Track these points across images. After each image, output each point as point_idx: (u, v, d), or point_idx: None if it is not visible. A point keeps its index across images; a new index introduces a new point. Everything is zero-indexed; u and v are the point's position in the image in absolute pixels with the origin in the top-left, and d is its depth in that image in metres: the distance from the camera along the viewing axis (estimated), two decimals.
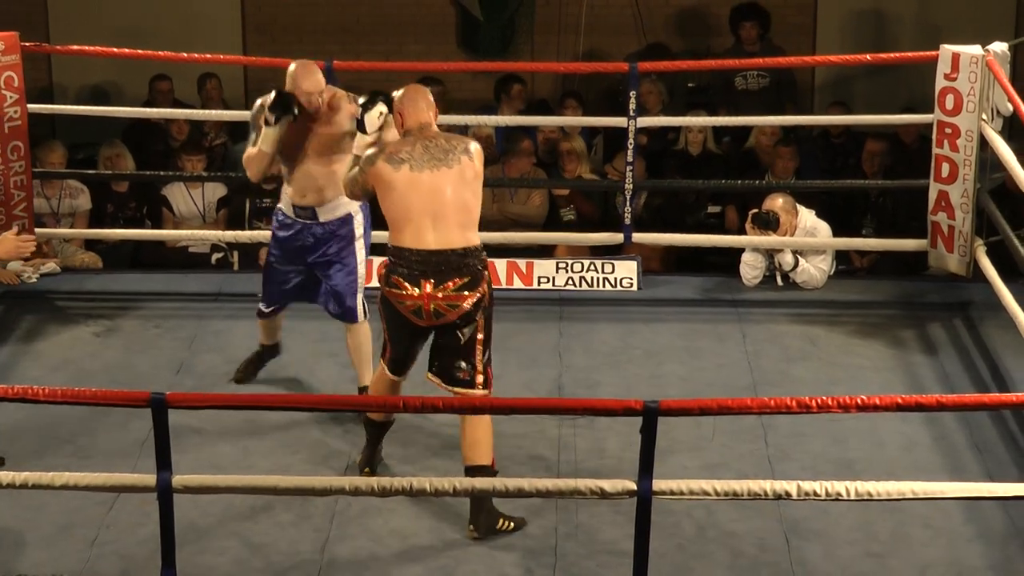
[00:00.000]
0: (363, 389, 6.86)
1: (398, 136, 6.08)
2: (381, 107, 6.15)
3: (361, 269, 6.86)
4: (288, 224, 6.82)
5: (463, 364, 6.00)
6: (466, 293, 5.92)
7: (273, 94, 6.62)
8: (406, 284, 5.92)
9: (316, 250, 6.80)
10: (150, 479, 4.88)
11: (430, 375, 6.08)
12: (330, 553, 5.84)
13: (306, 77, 6.68)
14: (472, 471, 5.94)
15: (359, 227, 6.83)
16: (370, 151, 6.00)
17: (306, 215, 6.76)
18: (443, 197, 5.90)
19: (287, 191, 6.81)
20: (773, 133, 9.62)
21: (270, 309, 7.02)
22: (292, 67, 6.74)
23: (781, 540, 6.00)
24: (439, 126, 6.08)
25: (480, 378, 6.00)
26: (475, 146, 6.04)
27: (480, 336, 6.00)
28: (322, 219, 6.76)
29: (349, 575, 5.77)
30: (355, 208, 6.77)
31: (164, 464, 4.85)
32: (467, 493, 5.01)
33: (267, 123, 6.59)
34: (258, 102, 6.71)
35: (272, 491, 5.10)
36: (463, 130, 10.12)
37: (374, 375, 6.34)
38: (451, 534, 6.06)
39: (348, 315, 6.85)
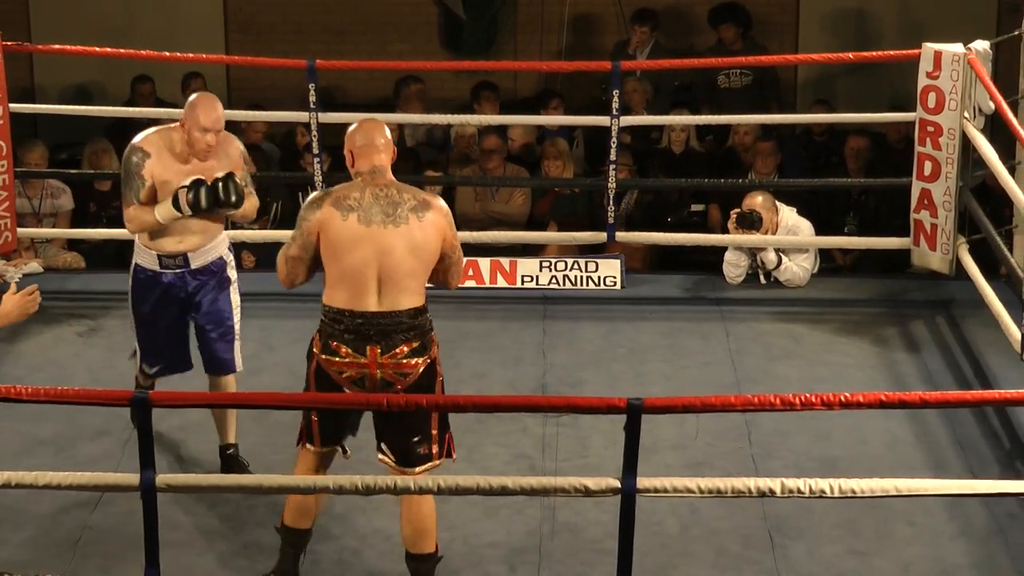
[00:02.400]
0: (228, 447, 6.38)
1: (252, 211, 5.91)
2: (203, 197, 5.92)
3: (238, 315, 6.37)
4: (152, 278, 6.23)
5: (419, 439, 5.43)
6: (417, 360, 5.39)
7: (202, 188, 6.01)
8: (348, 350, 5.33)
9: (190, 300, 6.27)
10: (133, 478, 4.87)
11: (382, 456, 5.48)
12: (314, 552, 5.83)
13: (206, 112, 6.03)
14: (419, 559, 5.51)
15: (232, 271, 6.34)
16: (314, 194, 5.43)
17: (176, 263, 6.20)
18: (392, 258, 5.31)
19: (148, 242, 6.21)
20: (748, 132, 9.62)
21: (154, 371, 6.46)
22: (193, 97, 6.12)
23: (765, 538, 6.01)
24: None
25: (436, 448, 5.45)
26: (436, 208, 5.40)
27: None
28: (195, 265, 6.23)
29: (333, 574, 5.77)
30: (225, 250, 6.32)
31: (147, 463, 4.84)
32: (452, 491, 4.99)
33: (179, 207, 6.00)
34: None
35: (256, 490, 5.09)
36: (446, 129, 10.15)
37: (297, 462, 5.59)
38: (436, 532, 6.05)
39: (227, 366, 6.36)
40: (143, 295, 6.28)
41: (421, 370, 5.38)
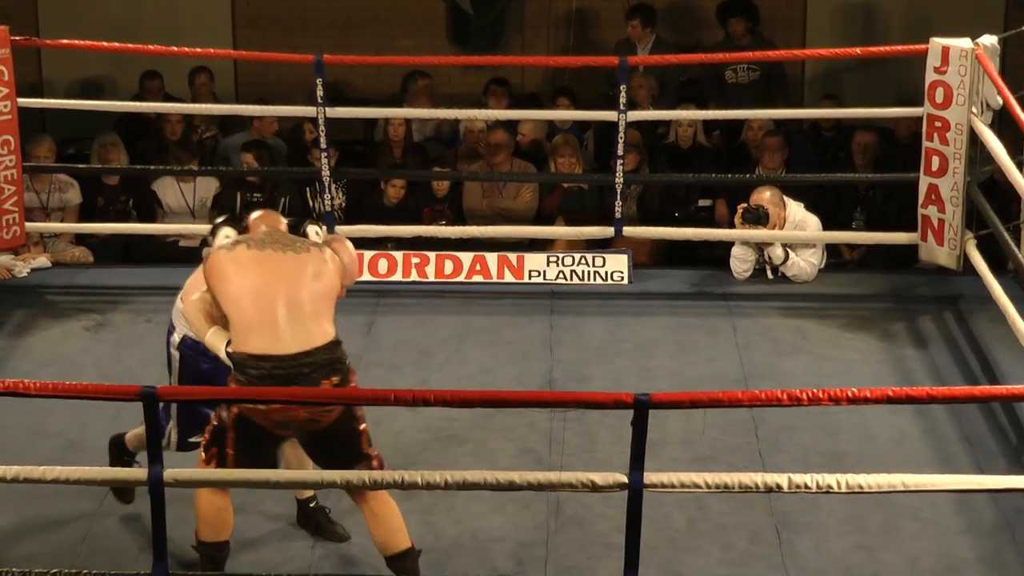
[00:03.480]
0: (309, 500, 5.97)
1: None
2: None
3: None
4: (204, 352, 5.60)
5: (356, 460, 5.35)
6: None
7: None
8: None
9: (215, 373, 5.63)
10: (141, 473, 4.88)
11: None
12: (321, 548, 5.84)
13: None
14: (397, 558, 5.48)
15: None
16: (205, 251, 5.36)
17: None
18: (294, 279, 5.16)
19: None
20: (761, 127, 9.63)
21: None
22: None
23: (772, 533, 6.01)
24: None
25: (376, 463, 5.38)
26: (329, 254, 5.32)
27: (363, 427, 5.38)
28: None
29: (340, 570, 5.77)
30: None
31: (155, 458, 4.84)
32: (460, 486, 4.98)
33: None
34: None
35: (263, 485, 5.10)
36: (454, 125, 10.16)
37: (203, 500, 5.44)
38: (443, 527, 6.07)
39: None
40: (189, 370, 5.80)
41: (337, 415, 5.27)
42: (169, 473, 4.86)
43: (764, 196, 8.20)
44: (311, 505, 5.90)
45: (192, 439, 5.70)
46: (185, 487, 5.04)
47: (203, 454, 5.33)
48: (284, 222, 5.51)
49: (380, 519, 5.41)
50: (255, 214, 5.51)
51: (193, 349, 5.69)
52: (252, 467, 5.24)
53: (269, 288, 5.14)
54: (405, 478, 4.90)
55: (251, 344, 5.12)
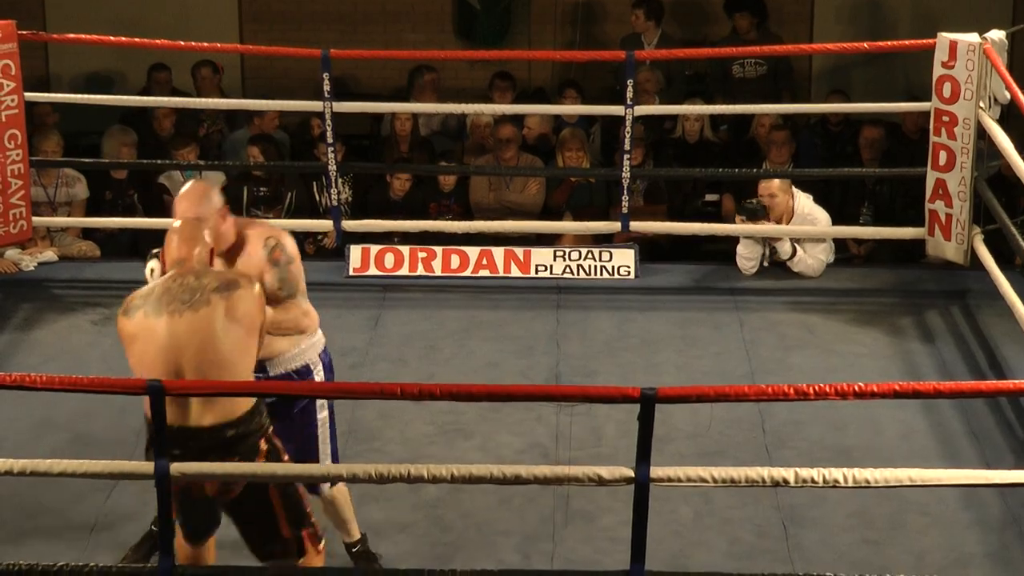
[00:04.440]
0: (354, 544, 5.78)
1: None
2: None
3: (325, 432, 5.54)
4: None
5: (267, 540, 5.10)
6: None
7: None
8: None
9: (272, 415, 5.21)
10: (148, 467, 4.87)
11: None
12: (328, 541, 5.83)
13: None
14: (353, 546, 5.62)
15: (319, 378, 5.51)
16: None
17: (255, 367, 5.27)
18: (186, 353, 4.77)
19: None
20: (769, 122, 9.62)
21: None
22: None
23: (779, 527, 6.01)
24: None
25: (296, 546, 5.12)
26: (245, 284, 4.85)
27: (276, 501, 5.04)
28: (273, 373, 5.44)
29: (347, 563, 5.77)
30: (314, 357, 5.50)
31: (162, 452, 4.84)
32: (466, 480, 4.96)
33: None
34: None
35: (270, 478, 5.08)
36: (461, 119, 10.14)
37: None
38: (449, 520, 6.07)
39: (311, 488, 5.52)
40: None
41: (243, 488, 4.99)
42: (176, 467, 4.85)
43: (773, 184, 8.20)
44: (354, 551, 5.73)
45: None
46: (192, 481, 5.03)
47: None
48: (203, 240, 5.01)
49: (337, 511, 5.50)
50: (172, 242, 4.99)
51: None
52: (189, 520, 5.11)
53: (162, 364, 4.80)
54: (411, 472, 4.89)
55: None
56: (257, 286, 4.91)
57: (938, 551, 5.88)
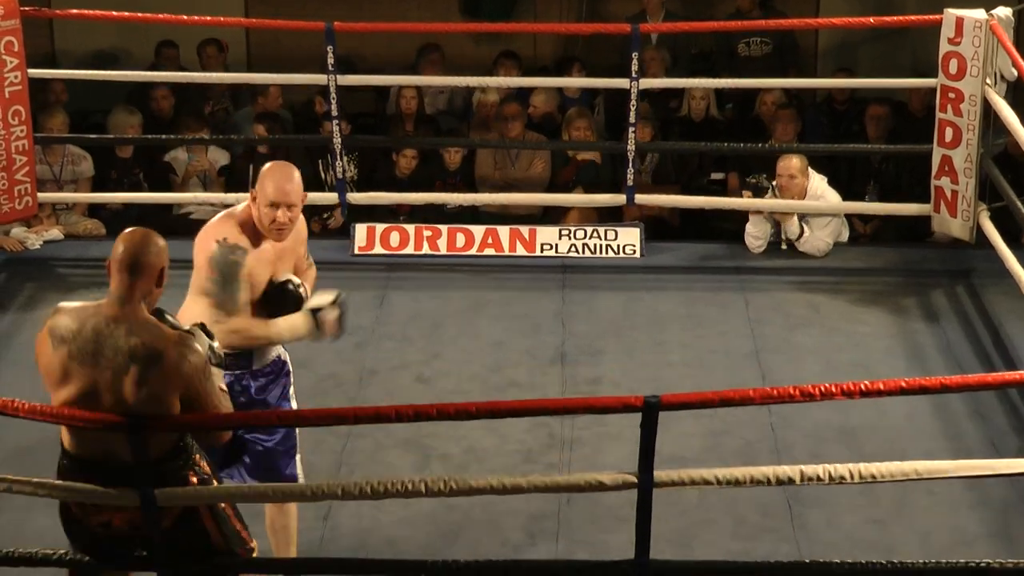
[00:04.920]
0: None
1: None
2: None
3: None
4: None
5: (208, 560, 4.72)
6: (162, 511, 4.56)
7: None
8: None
9: (251, 407, 5.21)
10: (134, 498, 4.75)
11: None
12: (333, 520, 5.86)
13: (278, 183, 5.12)
14: None
15: (289, 368, 5.39)
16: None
17: (237, 364, 5.17)
18: (105, 409, 4.42)
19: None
20: (775, 101, 9.60)
21: None
22: (265, 168, 5.20)
23: (784, 507, 6.01)
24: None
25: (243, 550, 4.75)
26: (167, 360, 4.39)
27: (217, 538, 4.69)
28: (256, 366, 5.25)
29: (353, 541, 5.78)
30: (282, 348, 5.34)
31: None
32: (466, 492, 4.74)
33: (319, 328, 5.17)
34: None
35: (263, 499, 5.01)
36: (466, 98, 10.12)
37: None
38: (454, 500, 6.07)
39: (292, 474, 5.39)
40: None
41: (173, 520, 4.60)
42: (161, 493, 4.75)
43: (792, 163, 8.19)
44: None
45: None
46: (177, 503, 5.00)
47: None
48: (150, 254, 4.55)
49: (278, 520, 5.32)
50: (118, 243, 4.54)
51: None
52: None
53: (81, 405, 4.46)
54: (409, 486, 4.61)
55: (65, 439, 4.57)
56: (177, 359, 4.44)
57: (943, 531, 5.88)
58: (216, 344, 4.67)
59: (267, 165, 5.20)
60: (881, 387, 4.65)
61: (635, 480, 4.67)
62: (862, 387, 4.62)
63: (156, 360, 4.41)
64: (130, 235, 4.53)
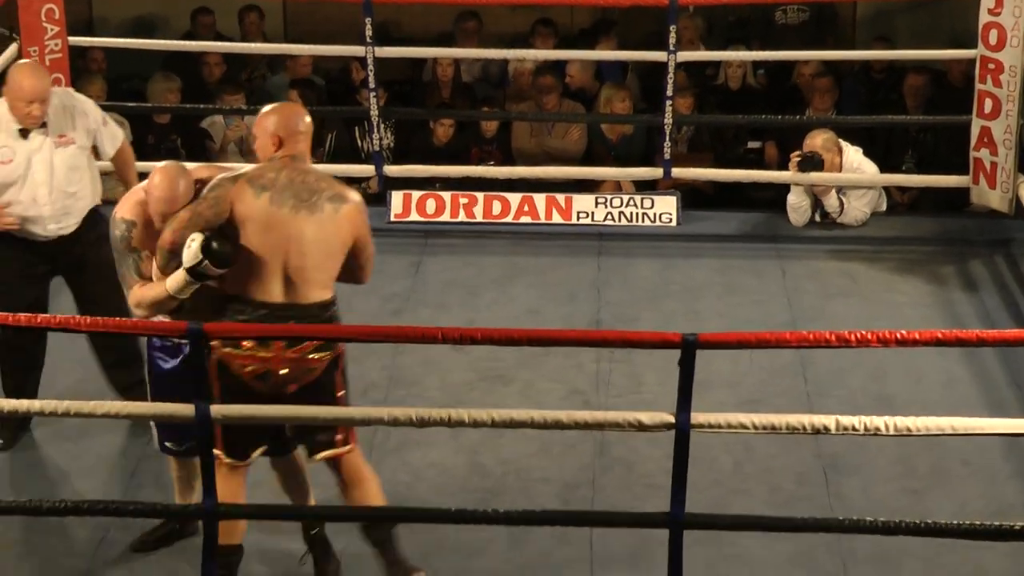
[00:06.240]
0: (313, 527, 5.52)
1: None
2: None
3: None
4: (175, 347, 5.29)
5: (321, 435, 5.15)
6: (322, 355, 5.06)
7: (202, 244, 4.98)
8: (251, 343, 4.97)
9: None
10: (189, 409, 4.90)
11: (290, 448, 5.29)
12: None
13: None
14: (373, 531, 5.31)
15: None
16: (224, 174, 5.08)
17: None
18: (301, 247, 4.97)
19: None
20: (811, 69, 9.55)
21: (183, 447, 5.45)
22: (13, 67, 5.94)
23: (819, 475, 6.01)
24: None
25: (340, 436, 5.17)
26: (352, 201, 5.06)
27: (341, 393, 5.16)
28: None
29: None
30: None
31: (202, 393, 4.86)
32: (506, 424, 4.98)
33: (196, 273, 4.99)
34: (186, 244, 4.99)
35: (311, 421, 5.10)
36: (502, 66, 10.11)
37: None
38: (489, 467, 6.09)
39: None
40: (162, 364, 5.40)
41: (325, 365, 5.08)
42: (216, 409, 4.87)
43: (816, 142, 8.13)
44: (312, 532, 5.50)
45: (168, 444, 5.45)
46: (232, 422, 5.05)
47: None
48: (306, 124, 5.18)
49: (360, 501, 5.26)
50: (301, 131, 5.15)
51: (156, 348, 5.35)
52: (238, 435, 5.10)
53: (275, 249, 4.96)
54: (452, 416, 4.90)
55: (244, 287, 5.00)
56: (360, 201, 5.11)
57: (979, 501, 5.86)
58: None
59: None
60: (917, 337, 4.70)
61: (672, 420, 4.71)
62: (898, 336, 4.67)
63: (344, 200, 5.03)
64: (290, 107, 5.28)
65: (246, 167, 5.16)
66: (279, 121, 5.11)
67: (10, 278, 6.11)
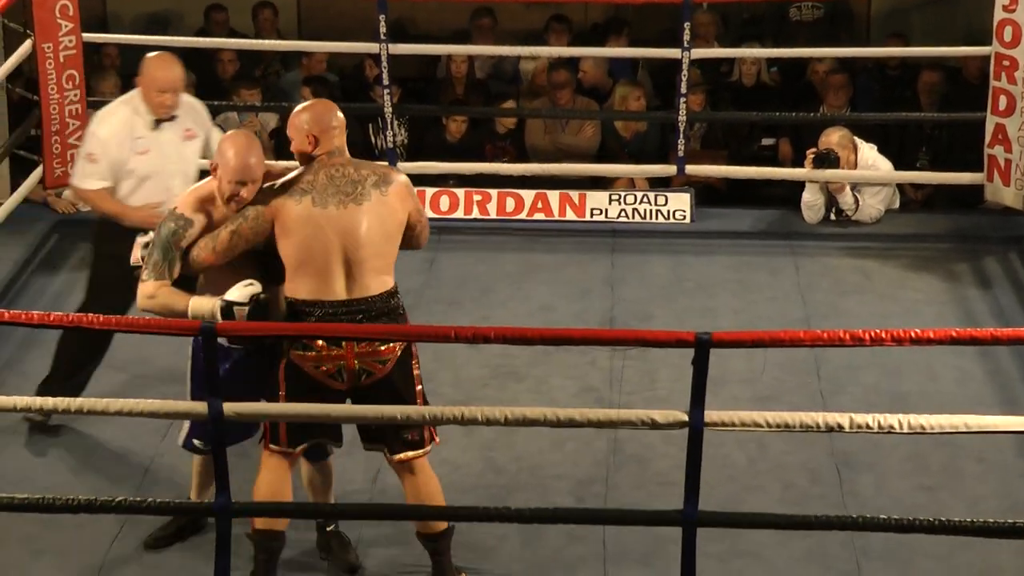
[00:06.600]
0: (328, 523, 5.58)
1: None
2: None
3: None
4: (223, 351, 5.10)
5: (404, 425, 5.15)
6: (393, 345, 5.10)
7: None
8: (322, 342, 5.02)
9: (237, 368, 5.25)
10: (202, 407, 4.90)
11: (369, 446, 5.28)
12: (382, 482, 5.87)
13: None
14: (430, 539, 5.31)
15: None
16: (267, 185, 5.09)
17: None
18: (356, 239, 5.01)
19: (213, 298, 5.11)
20: (826, 68, 9.53)
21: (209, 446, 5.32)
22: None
23: (833, 472, 6.00)
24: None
25: (427, 434, 5.20)
26: (397, 180, 5.13)
27: (419, 387, 5.22)
28: None
29: (401, 503, 5.79)
30: None
31: (215, 391, 4.86)
32: (520, 423, 4.98)
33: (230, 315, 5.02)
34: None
35: (324, 418, 5.11)
36: (515, 62, 10.10)
37: (260, 472, 5.25)
38: (503, 464, 6.09)
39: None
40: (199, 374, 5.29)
41: (398, 355, 5.13)
42: (229, 407, 4.87)
43: (832, 139, 8.13)
44: (327, 529, 5.56)
45: (195, 441, 5.44)
46: (246, 420, 5.06)
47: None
48: (339, 118, 5.15)
49: (421, 497, 5.23)
50: (318, 117, 5.11)
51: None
52: (306, 429, 5.16)
53: (329, 248, 5.00)
54: (465, 414, 4.90)
55: (301, 290, 5.04)
56: (404, 177, 5.17)
57: (993, 498, 5.85)
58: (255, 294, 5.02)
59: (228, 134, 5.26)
60: (931, 336, 4.69)
61: (686, 419, 4.71)
62: (912, 335, 4.67)
63: (389, 181, 5.07)
64: (321, 103, 5.20)
65: (287, 165, 5.20)
66: (312, 119, 5.11)
67: None
